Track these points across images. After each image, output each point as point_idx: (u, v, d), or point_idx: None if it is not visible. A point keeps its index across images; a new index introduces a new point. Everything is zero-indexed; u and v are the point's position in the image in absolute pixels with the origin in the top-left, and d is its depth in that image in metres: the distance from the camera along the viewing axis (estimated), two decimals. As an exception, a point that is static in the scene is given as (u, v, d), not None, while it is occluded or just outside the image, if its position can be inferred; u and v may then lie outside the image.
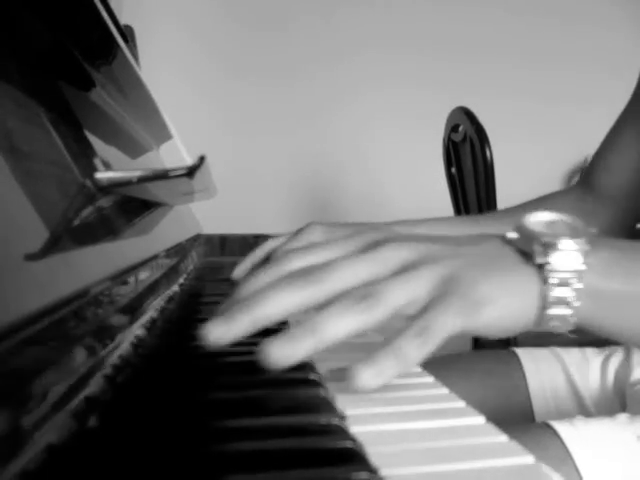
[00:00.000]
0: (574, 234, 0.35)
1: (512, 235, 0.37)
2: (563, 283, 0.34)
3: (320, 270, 0.34)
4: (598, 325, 0.36)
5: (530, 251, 0.35)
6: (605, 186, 0.74)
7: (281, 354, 0.30)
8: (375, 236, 0.38)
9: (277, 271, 0.36)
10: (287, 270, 0.36)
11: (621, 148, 0.73)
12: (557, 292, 0.34)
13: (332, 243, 0.38)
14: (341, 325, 0.31)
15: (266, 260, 0.61)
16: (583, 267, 0.34)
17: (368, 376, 0.30)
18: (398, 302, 0.33)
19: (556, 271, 0.34)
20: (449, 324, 0.32)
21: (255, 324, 0.32)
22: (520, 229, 0.37)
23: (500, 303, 0.34)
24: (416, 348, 0.31)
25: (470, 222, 0.74)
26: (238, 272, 0.62)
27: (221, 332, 0.31)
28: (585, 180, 0.78)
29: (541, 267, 0.35)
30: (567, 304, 0.35)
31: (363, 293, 0.32)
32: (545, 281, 0.34)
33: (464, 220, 0.78)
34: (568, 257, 0.34)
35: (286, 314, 0.33)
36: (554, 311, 0.35)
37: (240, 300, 0.33)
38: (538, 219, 0.37)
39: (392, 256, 0.35)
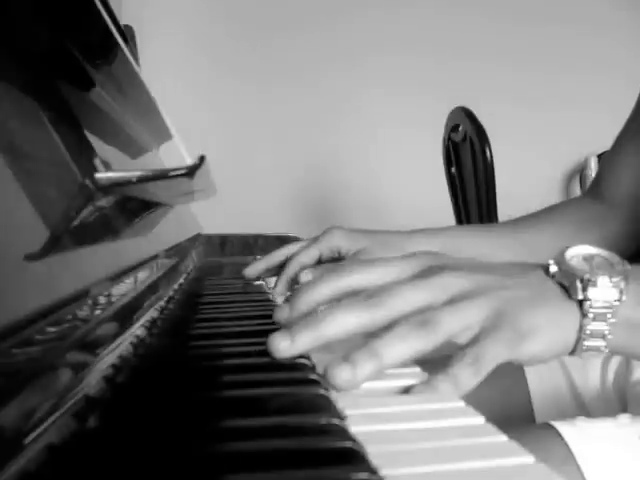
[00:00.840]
0: (611, 270, 0.38)
1: (553, 268, 0.39)
2: (599, 317, 0.37)
3: (382, 294, 0.36)
4: (631, 353, 0.40)
5: (571, 286, 0.38)
6: (614, 196, 0.74)
7: (345, 375, 0.32)
8: (431, 261, 0.40)
9: (337, 283, 0.38)
10: (346, 285, 0.38)
11: (628, 158, 0.73)
12: (593, 325, 0.37)
13: (391, 263, 0.40)
14: (400, 349, 0.33)
15: (283, 264, 0.62)
16: (617, 303, 0.37)
17: (427, 392, 0.33)
18: (453, 330, 0.35)
19: (594, 307, 0.37)
20: (499, 354, 0.35)
21: (317, 342, 0.34)
22: (560, 263, 0.39)
23: (544, 336, 0.37)
24: (469, 375, 0.34)
25: (486, 232, 0.75)
26: (252, 271, 0.63)
27: (285, 346, 0.34)
28: (594, 189, 0.78)
29: (580, 302, 0.37)
30: (602, 337, 0.37)
31: (421, 319, 0.34)
32: (584, 315, 0.37)
33: (481, 230, 0.78)
34: (605, 293, 0.37)
35: (347, 335, 0.35)
36: (589, 343, 0.37)
37: (299, 309, 0.37)
38: (577, 252, 0.40)
39: (450, 284, 0.37)
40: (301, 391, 0.30)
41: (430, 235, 0.64)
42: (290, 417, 0.27)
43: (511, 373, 0.72)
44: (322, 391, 0.30)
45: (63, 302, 0.26)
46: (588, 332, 0.37)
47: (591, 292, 0.37)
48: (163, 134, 0.73)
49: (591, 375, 0.71)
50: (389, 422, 0.28)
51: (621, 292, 0.37)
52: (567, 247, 0.40)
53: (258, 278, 0.65)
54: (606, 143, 0.78)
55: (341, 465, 0.22)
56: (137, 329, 0.41)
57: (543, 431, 0.52)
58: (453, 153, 1.51)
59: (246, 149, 2.19)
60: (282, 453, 0.23)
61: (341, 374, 0.32)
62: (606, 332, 0.37)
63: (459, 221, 1.56)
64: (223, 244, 1.01)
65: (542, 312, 0.37)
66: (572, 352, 0.38)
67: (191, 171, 0.40)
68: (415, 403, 0.31)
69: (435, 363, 0.72)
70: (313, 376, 0.33)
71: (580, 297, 0.37)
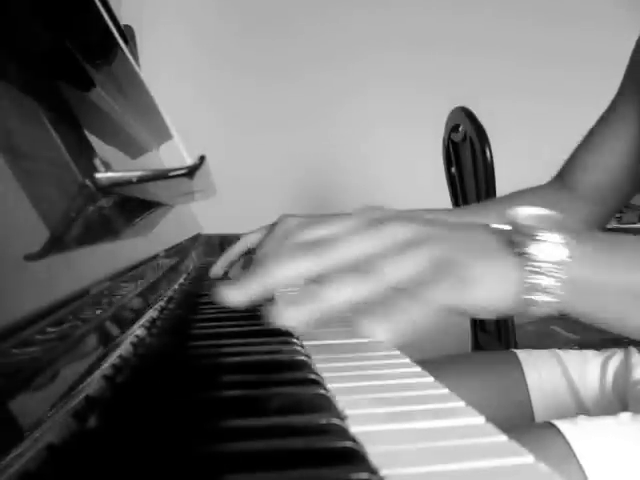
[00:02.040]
0: (560, 229, 0.38)
1: (503, 226, 0.40)
2: (546, 272, 0.37)
3: (329, 242, 0.37)
4: (577, 311, 0.39)
5: (517, 242, 0.38)
6: (580, 184, 0.75)
7: (287, 316, 0.33)
8: (380, 215, 0.40)
9: (282, 241, 0.39)
10: (297, 241, 0.39)
11: (599, 147, 0.74)
12: (540, 280, 0.37)
13: (338, 218, 0.40)
14: (343, 292, 0.34)
15: (245, 256, 0.62)
16: (566, 258, 0.37)
17: (372, 328, 0.34)
18: (397, 276, 0.36)
19: (540, 261, 0.37)
20: (440, 298, 0.36)
21: (263, 288, 0.35)
22: (509, 221, 0.39)
23: (487, 285, 0.37)
24: (409, 313, 0.35)
25: (461, 212, 0.77)
26: (216, 270, 0.63)
27: (234, 294, 0.35)
28: (561, 176, 0.79)
29: (526, 257, 0.37)
30: (549, 292, 0.37)
31: (365, 267, 0.35)
32: (531, 271, 0.37)
33: (455, 211, 0.80)
34: (552, 248, 0.37)
35: (295, 280, 0.35)
36: (536, 297, 0.37)
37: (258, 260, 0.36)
38: (527, 212, 0.40)
39: (396, 233, 0.38)
40: (301, 391, 0.30)
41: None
42: (290, 417, 0.27)
43: (511, 373, 0.72)
44: (322, 391, 0.30)
45: (63, 302, 0.26)
46: (535, 287, 0.37)
47: (537, 248, 0.37)
48: (163, 134, 0.73)
49: (590, 375, 0.71)
50: (389, 422, 0.28)
51: (568, 250, 0.37)
52: (519, 207, 0.40)
53: (225, 275, 0.65)
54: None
55: (341, 465, 0.22)
56: (137, 329, 0.41)
57: (544, 430, 0.53)
58: (453, 153, 1.51)
59: (246, 149, 2.19)
60: (282, 453, 0.23)
61: (285, 317, 0.33)
62: (552, 288, 0.37)
63: (459, 221, 1.56)
64: (223, 244, 1.01)
65: (486, 263, 0.38)
66: (519, 308, 0.38)
67: (191, 171, 0.40)
68: (415, 403, 0.31)
69: (435, 363, 0.72)
70: (313, 376, 0.33)
71: (525, 251, 0.37)
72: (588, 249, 0.38)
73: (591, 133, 0.76)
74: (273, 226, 0.58)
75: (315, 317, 0.34)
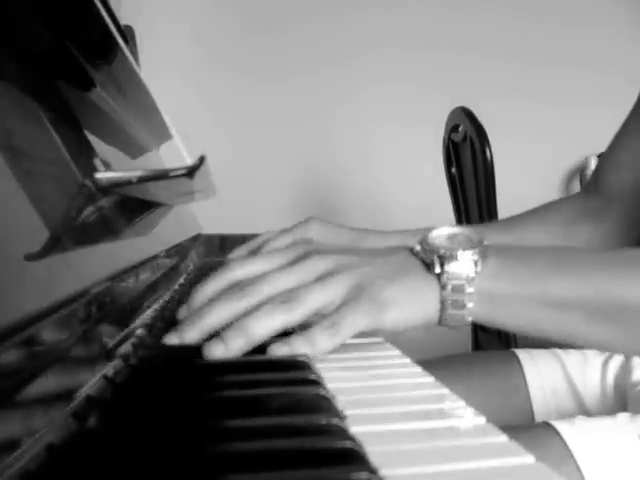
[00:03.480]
0: (468, 245, 0.41)
1: (417, 247, 0.43)
2: (457, 289, 0.41)
3: (253, 283, 0.41)
4: (491, 322, 0.43)
5: (430, 262, 0.42)
6: (613, 184, 0.73)
7: (218, 352, 0.36)
8: (305, 249, 0.45)
9: (220, 280, 0.43)
10: (230, 279, 0.43)
11: (630, 145, 0.72)
12: (453, 296, 0.41)
13: (266, 256, 0.45)
14: (266, 323, 0.38)
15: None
16: (473, 274, 0.40)
17: (283, 350, 0.38)
18: (316, 304, 0.39)
19: (451, 279, 0.40)
20: (355, 323, 0.39)
21: (203, 332, 0.39)
22: (423, 242, 0.43)
23: (403, 306, 0.40)
24: (326, 339, 0.38)
25: (498, 226, 0.78)
26: (233, 255, 0.66)
27: (177, 340, 0.39)
28: (592, 183, 0.77)
29: (439, 276, 0.41)
30: (462, 306, 0.41)
31: (286, 296, 0.39)
32: (443, 287, 0.41)
33: (497, 226, 0.80)
34: (461, 266, 0.41)
35: (228, 321, 0.39)
36: (451, 312, 0.41)
37: (193, 307, 0.42)
38: (440, 233, 0.44)
39: (315, 266, 0.42)
40: (301, 391, 0.30)
41: (408, 235, 0.65)
42: (290, 417, 0.27)
43: (511, 373, 0.72)
44: (322, 391, 0.30)
45: (63, 302, 0.26)
46: (449, 302, 0.41)
47: (449, 266, 0.41)
48: (163, 134, 0.73)
49: (591, 376, 0.71)
50: (389, 422, 0.28)
51: (476, 264, 0.41)
52: (432, 228, 0.44)
53: None
54: (606, 143, 0.78)
55: (341, 465, 0.22)
56: (137, 329, 0.41)
57: (542, 429, 0.53)
58: (453, 153, 1.51)
59: (246, 149, 2.18)
60: (282, 453, 0.23)
61: (215, 351, 0.36)
62: (465, 302, 0.41)
63: (459, 221, 1.56)
64: (223, 244, 1.01)
65: (401, 285, 0.41)
66: (439, 322, 0.42)
67: (191, 171, 0.40)
68: (415, 403, 0.31)
69: (436, 363, 0.72)
70: (313, 376, 0.33)
71: (438, 271, 0.41)
72: (493, 263, 0.42)
73: (620, 133, 0.74)
74: (296, 226, 0.64)
75: (243, 349, 0.37)
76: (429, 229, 0.44)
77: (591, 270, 0.41)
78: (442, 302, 0.41)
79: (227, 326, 0.39)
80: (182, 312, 0.43)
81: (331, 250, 0.44)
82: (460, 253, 0.41)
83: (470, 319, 0.42)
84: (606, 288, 0.40)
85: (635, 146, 0.71)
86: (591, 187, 0.76)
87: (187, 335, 0.39)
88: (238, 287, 0.41)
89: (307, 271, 0.41)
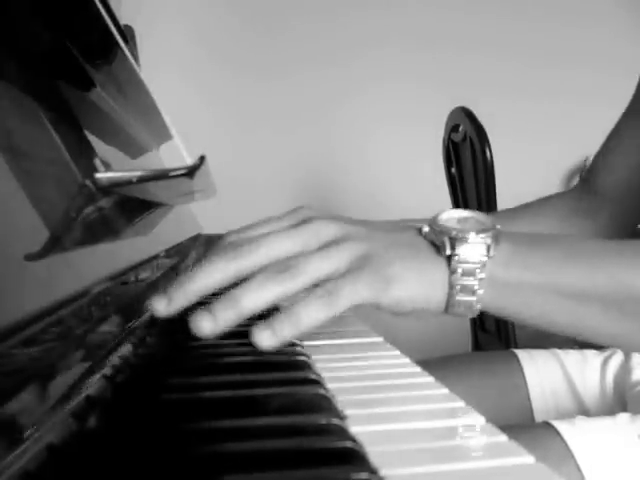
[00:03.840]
0: (480, 229, 0.39)
1: (426, 229, 0.40)
2: (468, 273, 0.38)
3: (248, 244, 0.37)
4: (501, 310, 0.40)
5: (440, 243, 0.39)
6: (606, 185, 0.74)
7: (207, 327, 0.33)
8: (307, 214, 0.41)
9: (216, 249, 0.39)
10: (227, 243, 0.39)
11: (623, 147, 0.72)
12: (462, 281, 0.38)
13: (265, 222, 0.41)
14: (259, 295, 0.34)
15: None
16: (485, 259, 0.38)
17: (264, 336, 0.34)
18: (317, 273, 0.36)
19: (462, 262, 0.38)
20: (355, 293, 0.35)
21: (192, 296, 0.35)
22: (433, 224, 0.40)
23: (410, 284, 0.37)
24: (317, 309, 0.34)
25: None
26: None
27: (163, 304, 0.35)
28: (585, 180, 0.78)
29: (449, 258, 0.38)
30: (472, 292, 0.38)
31: (286, 265, 0.35)
32: (453, 271, 0.38)
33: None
34: (473, 250, 0.38)
35: (218, 286, 0.36)
36: (460, 298, 0.38)
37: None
38: (451, 215, 0.41)
39: (318, 231, 0.38)
40: (301, 391, 0.30)
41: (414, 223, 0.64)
42: (290, 417, 0.27)
43: (511, 374, 0.72)
44: (322, 391, 0.30)
45: (63, 302, 0.26)
46: (458, 287, 0.38)
47: (459, 248, 0.38)
48: (163, 134, 0.73)
49: (590, 375, 0.71)
50: (389, 422, 0.28)
51: (488, 249, 0.38)
52: (442, 212, 0.41)
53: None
54: (606, 143, 0.78)
55: (341, 465, 0.22)
56: (137, 328, 0.41)
57: (542, 429, 0.53)
58: (453, 153, 1.50)
59: (246, 149, 2.18)
60: (282, 453, 0.23)
61: (203, 324, 0.33)
62: (475, 287, 0.38)
63: (459, 221, 1.56)
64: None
65: (409, 264, 0.38)
66: (445, 309, 0.39)
67: (191, 171, 0.40)
68: (415, 403, 0.31)
69: (435, 363, 0.72)
70: (313, 376, 0.33)
71: (448, 253, 0.38)
72: (506, 249, 0.39)
73: (613, 134, 0.75)
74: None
75: (233, 322, 0.34)
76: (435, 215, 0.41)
77: (606, 260, 0.39)
78: (451, 287, 0.38)
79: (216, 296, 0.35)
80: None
81: (335, 217, 0.40)
82: (472, 236, 0.38)
83: (479, 306, 0.39)
84: (622, 278, 0.38)
85: (627, 150, 0.72)
86: (584, 186, 0.77)
87: (174, 300, 0.35)
88: (231, 247, 0.37)
89: (309, 235, 0.38)
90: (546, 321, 0.40)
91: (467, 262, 0.38)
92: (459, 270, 0.38)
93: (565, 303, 0.39)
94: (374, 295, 0.36)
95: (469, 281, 0.38)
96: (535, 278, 0.39)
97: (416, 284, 0.38)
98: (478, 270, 0.38)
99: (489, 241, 0.38)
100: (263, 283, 0.35)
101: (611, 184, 0.73)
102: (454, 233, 0.38)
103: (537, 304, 0.39)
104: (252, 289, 0.35)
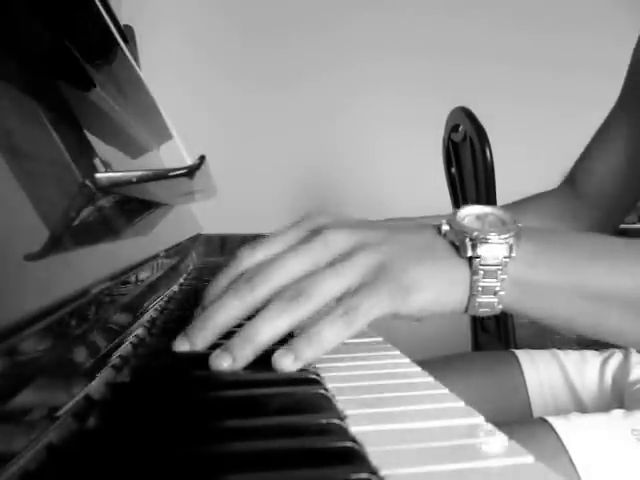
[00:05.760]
0: (501, 228, 0.38)
1: (445, 227, 0.39)
2: (490, 274, 0.37)
3: (262, 272, 0.37)
4: (522, 311, 0.39)
5: (460, 244, 0.38)
6: (587, 188, 0.75)
7: (226, 364, 0.33)
8: (318, 222, 0.40)
9: (230, 273, 0.39)
10: (240, 271, 0.39)
11: (604, 152, 0.73)
12: (484, 282, 0.37)
13: (277, 236, 0.40)
14: (276, 325, 0.34)
15: None
16: (507, 260, 0.37)
17: (288, 361, 0.33)
18: (331, 294, 0.35)
19: (483, 264, 0.37)
20: (376, 307, 0.35)
21: (213, 335, 0.36)
22: (452, 222, 0.39)
23: (429, 290, 0.36)
24: (338, 329, 0.34)
25: None
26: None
27: (187, 346, 0.36)
28: (568, 181, 0.79)
29: (470, 259, 0.37)
30: (494, 293, 0.37)
31: (297, 290, 0.35)
32: (474, 273, 0.37)
33: None
34: (494, 250, 0.37)
35: (237, 321, 0.36)
36: (481, 299, 0.37)
37: (205, 306, 0.38)
38: (469, 212, 0.40)
39: (328, 244, 0.37)
40: (301, 391, 0.30)
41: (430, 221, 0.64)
42: (290, 417, 0.27)
43: (510, 374, 0.72)
44: (322, 391, 0.30)
45: (63, 302, 0.26)
46: (480, 289, 0.37)
47: (481, 249, 0.37)
48: (163, 134, 0.73)
49: (589, 375, 0.71)
50: (389, 422, 0.28)
51: (510, 249, 0.37)
52: (460, 207, 0.40)
53: None
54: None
55: (341, 465, 0.22)
56: (137, 329, 0.41)
57: (537, 425, 0.53)
58: (453, 153, 1.50)
59: (246, 149, 2.18)
60: (282, 453, 0.23)
61: (223, 364, 0.33)
62: (497, 288, 0.37)
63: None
64: (223, 244, 1.01)
65: (429, 268, 0.37)
66: (466, 309, 0.38)
67: (191, 171, 0.40)
68: (415, 403, 0.31)
69: (436, 363, 0.72)
70: (313, 376, 0.33)
71: (469, 254, 0.37)
72: (529, 248, 0.38)
73: (596, 138, 0.75)
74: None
75: (251, 358, 0.34)
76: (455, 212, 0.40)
77: (627, 260, 0.38)
78: (472, 288, 0.37)
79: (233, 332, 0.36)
80: (197, 313, 0.39)
81: (346, 224, 0.39)
82: (494, 236, 0.37)
83: (500, 307, 0.38)
84: None
85: (609, 157, 0.72)
86: (567, 186, 0.77)
87: (197, 340, 0.36)
88: (245, 279, 0.37)
89: (319, 250, 0.37)
90: (568, 324, 0.39)
91: (489, 264, 0.37)
92: (480, 272, 0.37)
93: (587, 304, 0.38)
94: (394, 306, 0.36)
95: (491, 282, 0.37)
96: (559, 279, 0.38)
97: (436, 289, 0.37)
98: (500, 271, 0.37)
99: (511, 241, 0.37)
100: (277, 314, 0.34)
101: (591, 187, 0.74)
102: (475, 234, 0.37)
103: (561, 307, 0.38)
104: (267, 322, 0.34)
